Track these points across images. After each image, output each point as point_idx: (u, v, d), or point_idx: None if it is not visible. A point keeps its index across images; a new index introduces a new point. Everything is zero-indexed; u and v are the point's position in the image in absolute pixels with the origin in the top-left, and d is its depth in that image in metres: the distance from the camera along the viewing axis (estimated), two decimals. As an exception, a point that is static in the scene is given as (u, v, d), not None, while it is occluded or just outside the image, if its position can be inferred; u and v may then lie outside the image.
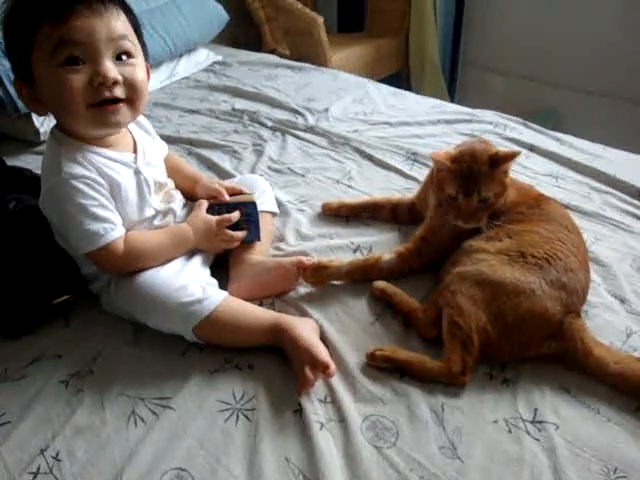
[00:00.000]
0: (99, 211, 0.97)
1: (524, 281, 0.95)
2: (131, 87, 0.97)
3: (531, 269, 0.97)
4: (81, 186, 0.95)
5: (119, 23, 0.95)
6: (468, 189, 1.03)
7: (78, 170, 0.96)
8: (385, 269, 1.11)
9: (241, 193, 1.21)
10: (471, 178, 1.03)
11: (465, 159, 1.04)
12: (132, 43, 0.98)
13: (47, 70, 0.93)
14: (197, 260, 1.09)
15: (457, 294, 0.95)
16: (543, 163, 1.60)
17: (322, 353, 0.92)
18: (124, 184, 1.01)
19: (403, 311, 1.04)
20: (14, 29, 0.94)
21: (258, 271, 1.11)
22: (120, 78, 0.95)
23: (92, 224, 0.96)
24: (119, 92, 0.96)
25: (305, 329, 0.96)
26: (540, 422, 0.86)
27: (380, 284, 1.08)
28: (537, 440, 0.84)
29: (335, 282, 1.13)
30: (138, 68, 0.99)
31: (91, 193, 0.96)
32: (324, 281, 1.11)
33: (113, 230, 0.98)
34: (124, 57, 0.97)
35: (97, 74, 0.92)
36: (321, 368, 0.91)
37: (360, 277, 1.11)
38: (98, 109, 0.95)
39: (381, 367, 0.95)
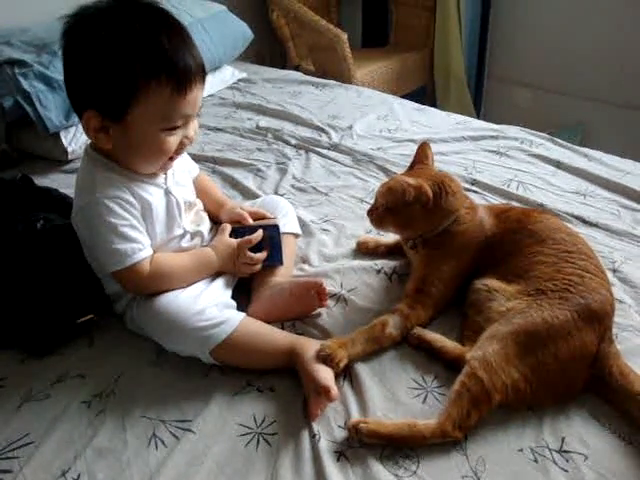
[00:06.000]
0: (129, 231, 0.99)
1: (557, 323, 0.91)
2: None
3: (557, 305, 0.93)
4: (113, 206, 0.98)
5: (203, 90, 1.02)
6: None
7: (112, 190, 0.99)
8: (396, 336, 1.02)
9: (264, 218, 1.21)
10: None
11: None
12: None
13: (148, 127, 0.96)
14: (219, 282, 1.10)
15: (487, 352, 0.90)
16: (570, 180, 1.57)
17: (323, 377, 0.91)
18: (155, 204, 1.04)
19: (447, 358, 0.99)
20: (122, 67, 0.91)
21: (276, 293, 1.10)
22: None
23: (121, 244, 0.98)
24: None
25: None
26: (567, 452, 0.84)
27: (416, 331, 1.03)
28: (565, 471, 0.81)
29: (358, 303, 1.13)
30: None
31: (122, 213, 0.99)
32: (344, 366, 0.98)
33: (141, 251, 1.00)
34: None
35: (187, 137, 1.02)
36: (322, 392, 0.90)
37: (376, 348, 1.02)
38: (169, 159, 1.03)
39: (365, 442, 0.86)
